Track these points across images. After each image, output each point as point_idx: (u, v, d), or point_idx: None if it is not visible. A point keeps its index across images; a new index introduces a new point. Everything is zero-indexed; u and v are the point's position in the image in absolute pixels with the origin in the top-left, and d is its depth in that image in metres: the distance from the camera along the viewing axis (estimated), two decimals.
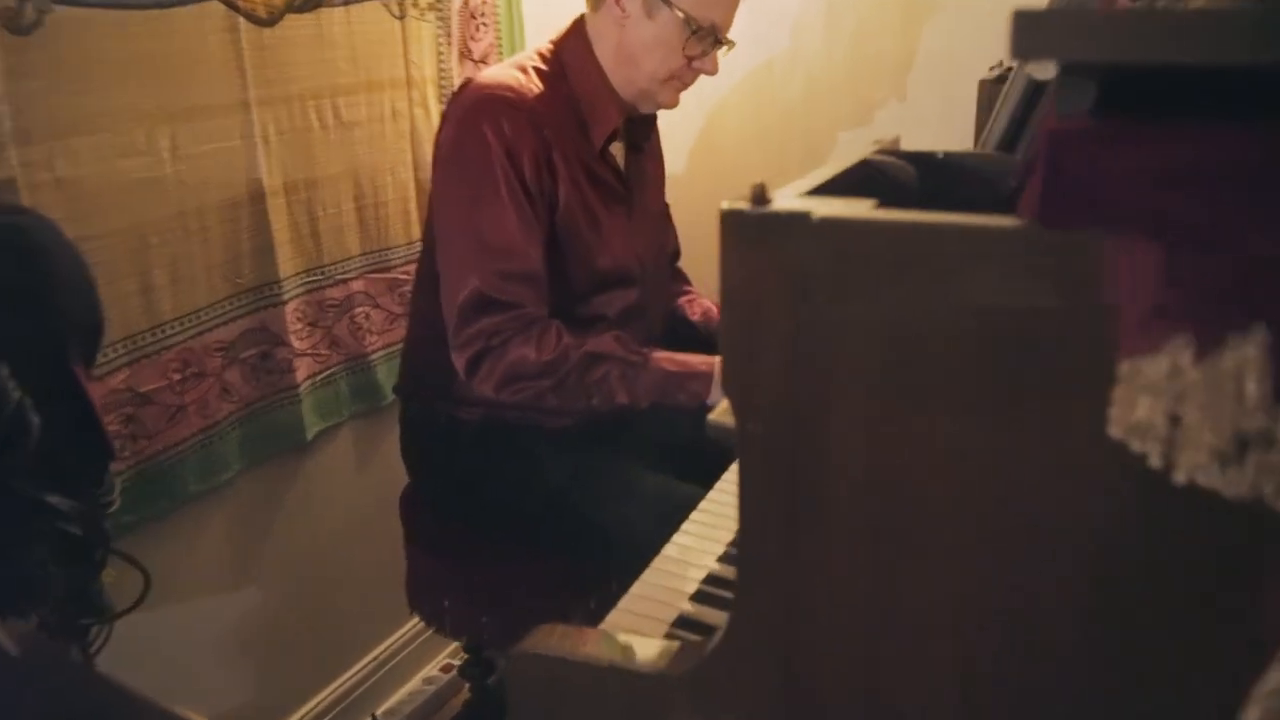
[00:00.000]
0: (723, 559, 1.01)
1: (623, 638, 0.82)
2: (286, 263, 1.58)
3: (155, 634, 1.40)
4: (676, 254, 1.76)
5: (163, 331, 1.40)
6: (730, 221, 0.59)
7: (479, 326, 1.33)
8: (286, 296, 1.58)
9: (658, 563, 1.01)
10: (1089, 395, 0.52)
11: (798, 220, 0.57)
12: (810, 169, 2.18)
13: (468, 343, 1.34)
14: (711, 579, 0.97)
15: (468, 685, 1.80)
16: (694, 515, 1.10)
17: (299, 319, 1.63)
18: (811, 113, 2.16)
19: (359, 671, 1.86)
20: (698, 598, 0.95)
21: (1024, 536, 0.56)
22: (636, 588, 0.96)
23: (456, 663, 2.02)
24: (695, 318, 1.69)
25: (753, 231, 0.58)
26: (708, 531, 1.07)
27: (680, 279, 1.77)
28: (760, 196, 0.59)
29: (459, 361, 1.36)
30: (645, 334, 1.58)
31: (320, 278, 1.67)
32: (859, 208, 0.57)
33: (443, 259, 1.39)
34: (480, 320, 1.33)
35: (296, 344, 1.61)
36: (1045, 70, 0.73)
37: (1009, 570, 0.57)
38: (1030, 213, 0.55)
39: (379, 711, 1.87)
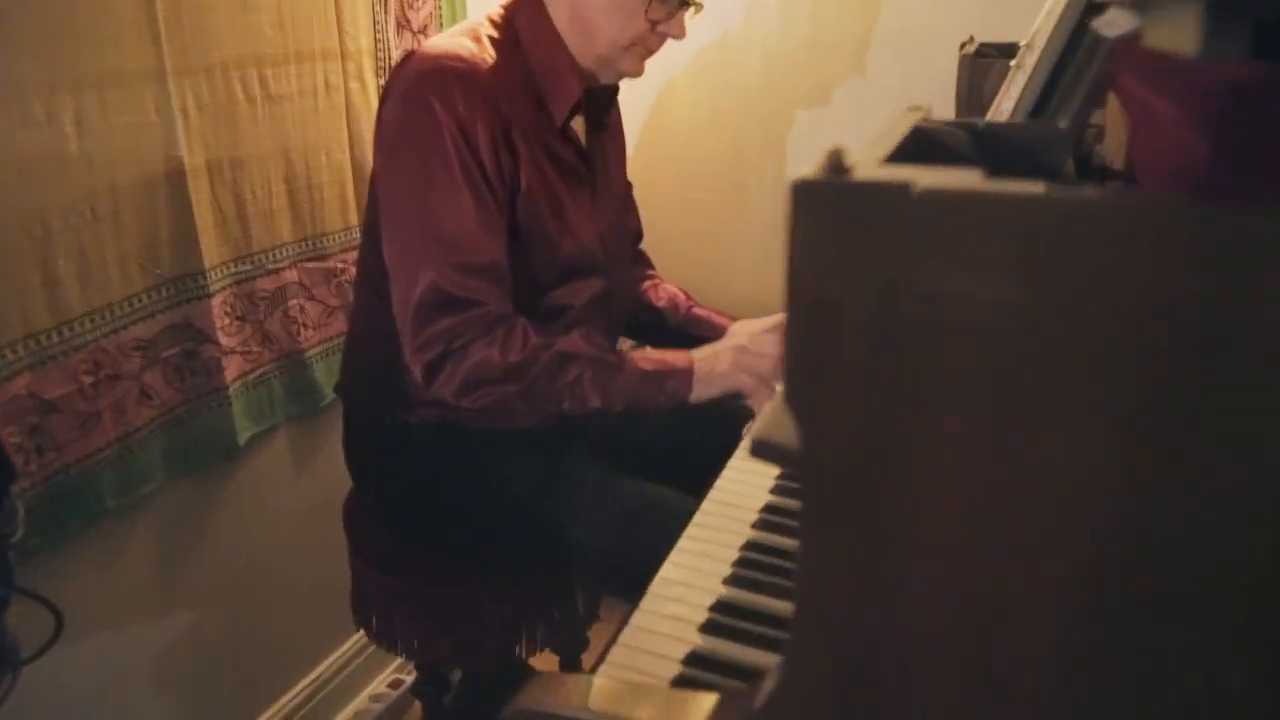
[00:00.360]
0: (729, 581, 0.91)
1: (639, 689, 0.72)
2: (211, 251, 1.42)
3: (72, 668, 1.25)
4: (639, 235, 1.65)
5: (70, 330, 1.23)
6: (805, 196, 0.47)
7: (438, 328, 1.20)
8: (212, 289, 1.43)
9: (657, 588, 0.90)
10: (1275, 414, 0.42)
11: (894, 193, 0.46)
12: (768, 150, 2.08)
13: (425, 346, 1.21)
14: (721, 606, 0.87)
15: (420, 704, 1.68)
16: (690, 531, 0.99)
17: (226, 313, 1.47)
18: (768, 92, 2.06)
19: (300, 692, 1.71)
20: (708, 629, 0.84)
21: (1181, 583, 0.46)
22: (637, 618, 0.85)
23: (406, 678, 1.89)
24: (661, 304, 1.58)
25: (834, 208, 0.47)
26: (707, 549, 0.96)
27: (643, 263, 1.66)
28: (838, 165, 0.49)
29: (415, 366, 1.22)
30: (610, 324, 1.47)
31: (249, 267, 1.51)
32: (968, 178, 0.46)
33: (392, 252, 1.25)
34: (439, 321, 1.20)
35: (224, 340, 1.46)
36: (1114, 26, 0.63)
37: (1166, 630, 0.47)
38: (1172, 183, 0.45)
39: None
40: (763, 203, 2.15)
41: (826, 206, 0.47)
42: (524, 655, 1.55)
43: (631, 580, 1.27)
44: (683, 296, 1.58)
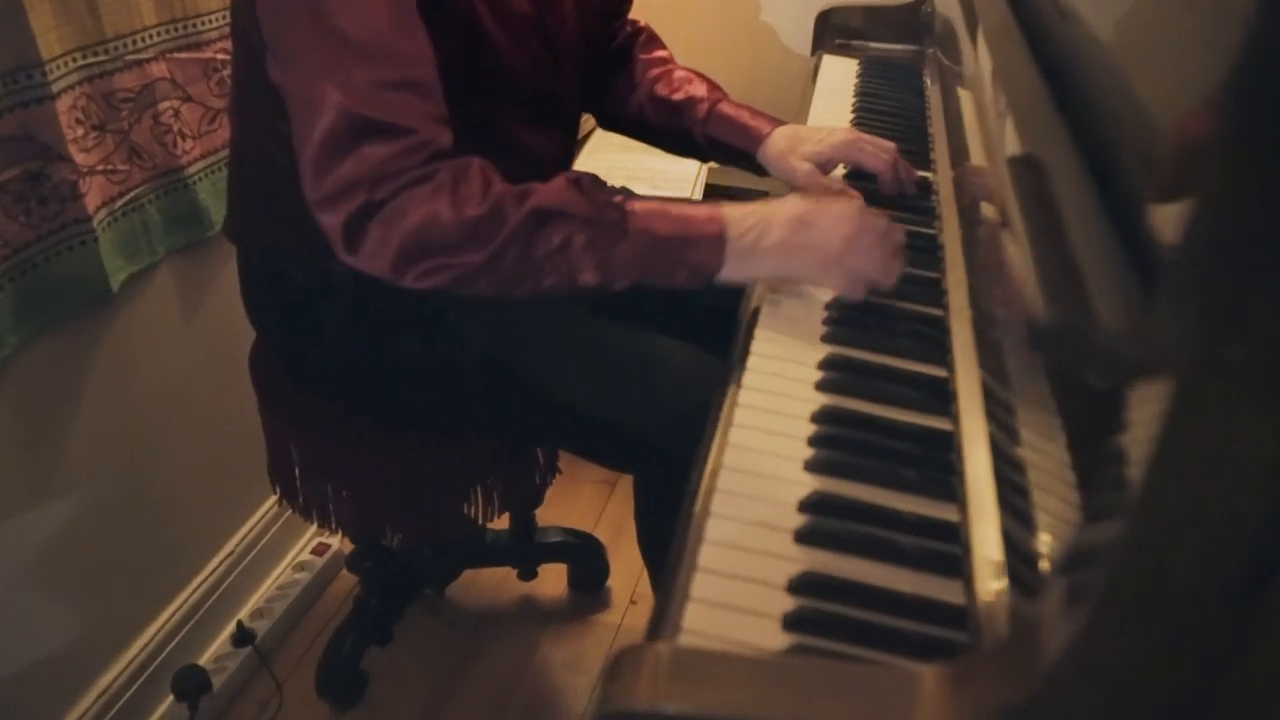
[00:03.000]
0: (812, 467, 0.70)
1: (787, 669, 0.52)
2: (48, 36, 1.07)
3: None
4: (620, 7, 1.26)
5: None
6: None
7: (353, 167, 0.85)
8: (55, 88, 1.08)
9: (725, 482, 0.68)
10: None
11: None
12: None
13: (338, 197, 0.86)
14: (816, 503, 0.66)
15: (357, 578, 1.48)
16: (744, 399, 0.78)
17: (78, 121, 1.13)
18: None
19: (212, 573, 1.48)
20: (806, 537, 0.64)
21: None
22: (713, 529, 0.64)
23: (331, 541, 1.68)
24: (677, 97, 1.22)
25: None
26: (770, 421, 0.75)
27: (646, 43, 1.28)
28: None
29: (329, 226, 0.88)
30: (560, 154, 1.18)
31: (103, 58, 1.16)
32: None
33: (280, 67, 0.91)
34: (354, 156, 0.85)
35: (79, 157, 1.12)
36: None
37: None
38: None
39: (244, 615, 1.52)
40: None
41: None
42: (477, 521, 1.35)
43: (627, 452, 1.06)
44: (704, 89, 1.23)
